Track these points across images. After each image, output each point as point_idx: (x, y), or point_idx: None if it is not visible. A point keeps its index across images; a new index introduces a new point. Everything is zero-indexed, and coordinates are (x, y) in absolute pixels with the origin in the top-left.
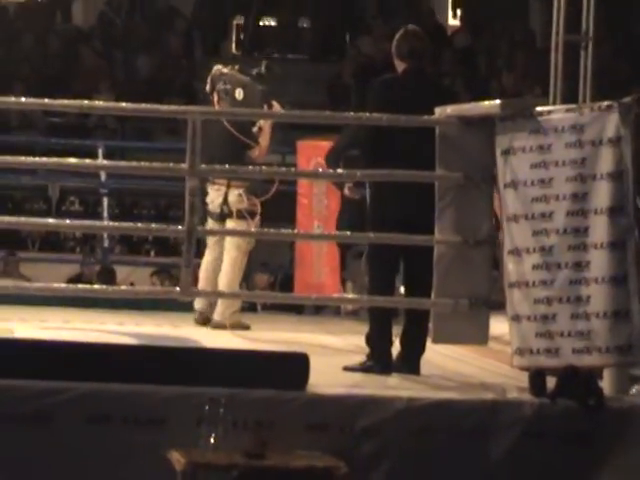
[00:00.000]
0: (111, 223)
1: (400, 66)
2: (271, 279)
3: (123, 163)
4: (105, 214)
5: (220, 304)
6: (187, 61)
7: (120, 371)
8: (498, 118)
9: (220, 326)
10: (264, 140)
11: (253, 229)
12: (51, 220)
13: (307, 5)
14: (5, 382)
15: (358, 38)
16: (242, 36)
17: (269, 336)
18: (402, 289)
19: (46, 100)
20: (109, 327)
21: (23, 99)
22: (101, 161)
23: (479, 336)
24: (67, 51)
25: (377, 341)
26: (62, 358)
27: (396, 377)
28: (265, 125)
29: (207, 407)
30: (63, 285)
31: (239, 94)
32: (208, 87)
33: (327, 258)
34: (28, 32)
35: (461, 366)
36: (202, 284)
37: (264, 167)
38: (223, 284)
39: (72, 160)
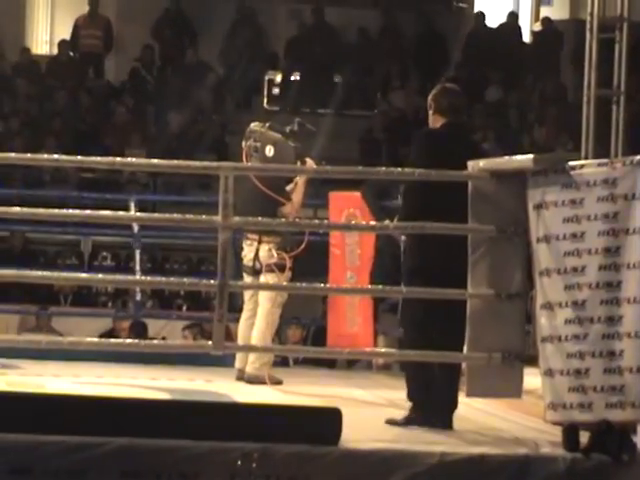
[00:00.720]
0: (143, 277)
1: (439, 121)
2: (303, 333)
3: (156, 215)
4: (137, 268)
5: (251, 355)
6: (218, 116)
7: (153, 426)
8: (530, 172)
9: (253, 378)
10: (297, 196)
11: (284, 283)
12: (83, 275)
13: (338, 60)
14: (39, 437)
15: (389, 92)
16: (273, 91)
17: (301, 390)
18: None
19: (79, 157)
20: (141, 382)
21: (56, 156)
22: (134, 213)
23: (512, 390)
24: (99, 106)
25: (417, 395)
26: (95, 413)
27: (429, 432)
28: (300, 181)
29: (240, 462)
30: (96, 340)
31: (269, 151)
32: (243, 144)
33: (360, 308)
34: (61, 88)
35: (494, 420)
36: (239, 342)
37: (294, 220)
38: (255, 336)
39: (105, 212)
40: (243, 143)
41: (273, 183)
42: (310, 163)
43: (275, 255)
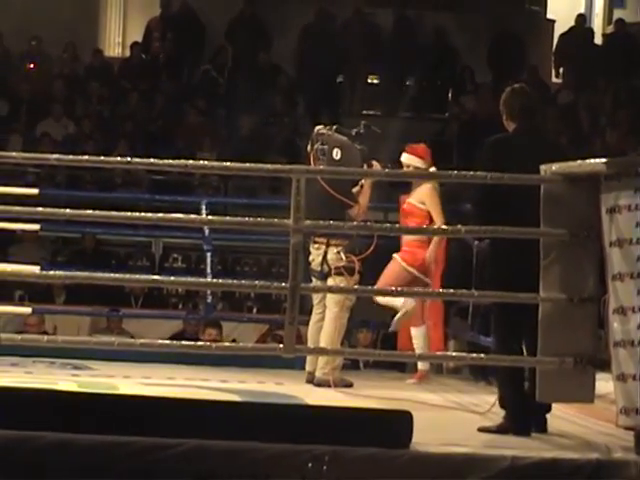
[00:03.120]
0: (214, 280)
1: (511, 126)
2: (373, 336)
3: (228, 218)
4: (208, 270)
5: (320, 359)
6: (289, 118)
7: (224, 428)
8: (604, 176)
9: (322, 382)
10: (363, 199)
11: (353, 286)
12: (155, 276)
13: (411, 63)
14: (112, 438)
15: (461, 95)
16: (346, 94)
17: (372, 393)
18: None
19: (151, 160)
20: (212, 384)
21: (129, 158)
22: (205, 216)
23: (584, 395)
24: (171, 109)
25: (512, 402)
26: (167, 414)
27: (501, 436)
28: (366, 184)
29: (310, 464)
30: (167, 341)
31: (337, 154)
32: (309, 148)
33: (430, 312)
34: (133, 90)
35: (565, 425)
36: (309, 345)
37: (365, 223)
38: (324, 340)
39: (177, 215)
40: (309, 147)
41: (341, 186)
42: (376, 166)
43: (344, 258)
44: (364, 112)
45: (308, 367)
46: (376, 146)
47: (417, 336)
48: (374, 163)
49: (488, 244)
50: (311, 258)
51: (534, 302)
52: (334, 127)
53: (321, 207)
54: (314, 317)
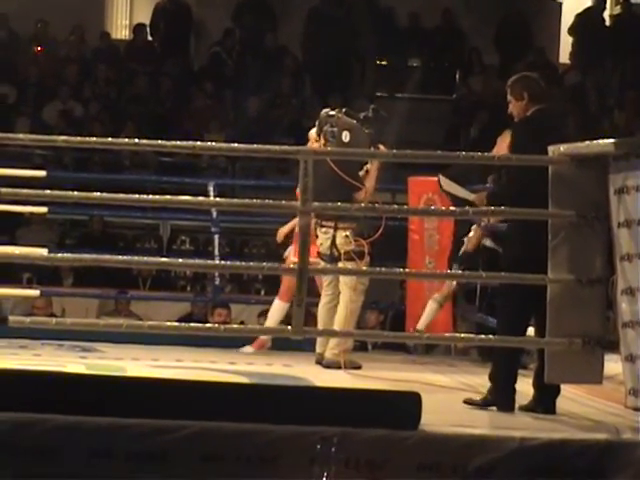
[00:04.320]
0: (222, 262)
1: (530, 107)
2: (381, 317)
3: (235, 200)
4: (216, 253)
5: (331, 341)
6: (297, 100)
7: (232, 410)
8: (612, 157)
9: (331, 363)
10: (370, 182)
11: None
12: (163, 259)
13: (417, 44)
14: (120, 420)
15: (468, 76)
16: (353, 75)
17: (380, 375)
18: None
19: (159, 141)
20: (220, 366)
21: (137, 140)
22: (213, 198)
23: (593, 376)
24: (178, 91)
25: (503, 379)
26: (175, 396)
27: (509, 416)
28: (372, 167)
29: (319, 446)
30: (176, 324)
31: (345, 137)
32: (316, 130)
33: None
34: (140, 72)
35: (574, 406)
36: (320, 327)
37: (374, 205)
38: (338, 323)
39: (185, 197)
40: (313, 130)
41: (349, 168)
42: (383, 150)
43: (353, 242)
44: (373, 94)
45: (318, 348)
46: (384, 127)
47: (278, 309)
48: (381, 147)
49: (507, 227)
50: (319, 242)
51: (542, 283)
52: (343, 110)
53: (329, 190)
54: (324, 298)
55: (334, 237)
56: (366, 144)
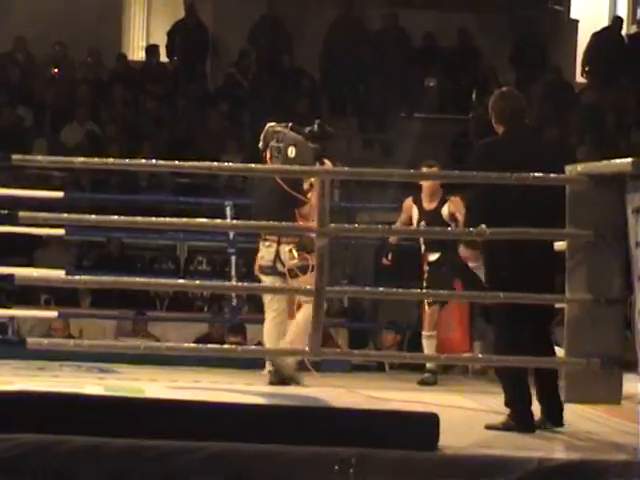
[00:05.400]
0: (239, 283)
1: (500, 128)
2: (398, 338)
3: (252, 222)
4: (233, 273)
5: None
6: (313, 120)
7: (250, 431)
8: (629, 176)
9: (289, 379)
10: (314, 197)
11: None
12: (180, 281)
13: (433, 64)
14: (137, 442)
15: (484, 95)
16: (368, 95)
17: (398, 395)
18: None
19: (177, 162)
20: (238, 387)
21: (154, 161)
22: (230, 220)
23: (611, 396)
24: (195, 112)
25: (516, 402)
26: (193, 418)
27: (528, 437)
28: (316, 183)
29: (337, 467)
30: (193, 345)
31: (291, 152)
32: (261, 144)
33: (456, 313)
34: (156, 94)
35: (593, 426)
36: (267, 343)
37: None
38: (292, 332)
39: (202, 220)
40: (260, 143)
41: (293, 183)
42: (328, 164)
43: (296, 256)
44: (388, 114)
45: (269, 366)
46: (329, 145)
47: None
48: (326, 162)
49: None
50: (260, 255)
51: (561, 303)
52: (289, 125)
53: (272, 205)
54: (270, 314)
55: (277, 251)
56: (311, 159)
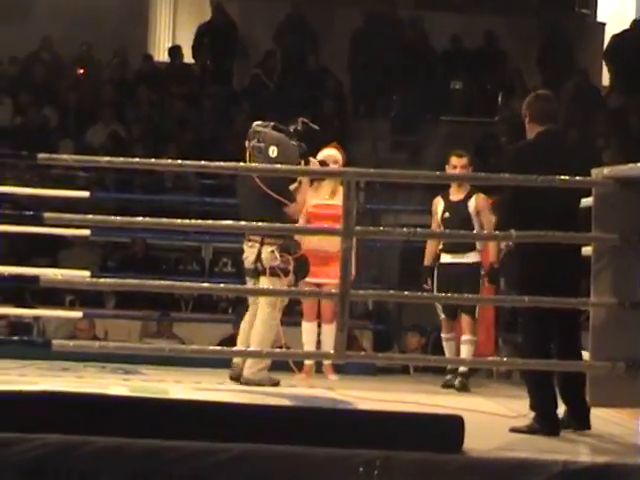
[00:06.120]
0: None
1: (534, 129)
2: (422, 340)
3: (278, 225)
4: None
5: (250, 361)
6: (339, 122)
7: (275, 432)
8: None
9: (250, 382)
10: (301, 196)
11: (286, 286)
12: (205, 284)
13: (460, 66)
14: (161, 443)
15: (511, 98)
16: (394, 97)
17: (422, 398)
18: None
19: (203, 162)
20: (263, 388)
21: (180, 161)
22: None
23: (636, 399)
24: (220, 113)
25: (541, 405)
26: (218, 419)
27: (552, 439)
28: (304, 181)
29: (362, 469)
30: (218, 347)
31: (273, 152)
32: (246, 144)
33: (481, 316)
34: (182, 94)
35: (617, 429)
36: (239, 342)
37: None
38: (255, 340)
39: (226, 222)
40: (246, 143)
41: (277, 184)
42: (314, 163)
43: (278, 258)
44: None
45: (234, 360)
46: (313, 143)
47: (307, 331)
48: (312, 160)
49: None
50: (244, 256)
51: (585, 307)
52: (271, 124)
53: (255, 206)
54: (247, 315)
55: (259, 252)
56: (295, 158)
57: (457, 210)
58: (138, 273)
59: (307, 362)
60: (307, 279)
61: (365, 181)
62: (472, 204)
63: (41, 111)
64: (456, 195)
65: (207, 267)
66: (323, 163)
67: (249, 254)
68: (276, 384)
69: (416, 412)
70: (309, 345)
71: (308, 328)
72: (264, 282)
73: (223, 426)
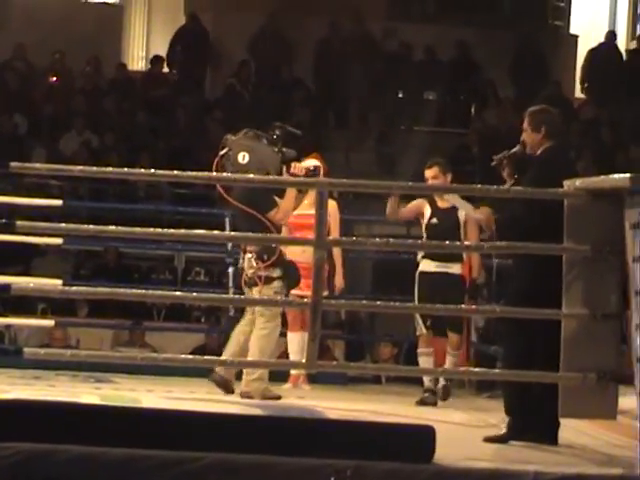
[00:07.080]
0: (236, 296)
1: (545, 143)
2: (395, 350)
3: (251, 235)
4: (230, 284)
5: (245, 373)
6: (313, 132)
7: (246, 442)
8: (627, 192)
9: (248, 396)
10: (285, 203)
11: (272, 294)
12: (177, 293)
13: (433, 78)
14: (133, 452)
15: (484, 110)
16: (368, 107)
17: (394, 408)
18: None
19: (175, 172)
20: (234, 398)
21: (153, 170)
22: (228, 232)
23: (607, 410)
24: (194, 122)
25: (515, 409)
26: (189, 428)
27: (523, 450)
28: (288, 188)
29: (333, 479)
30: (190, 356)
31: (243, 158)
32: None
33: None
34: (155, 103)
35: (588, 440)
36: (230, 347)
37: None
38: (252, 352)
39: (199, 231)
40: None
41: (254, 192)
42: (297, 167)
43: (254, 265)
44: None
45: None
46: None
47: (291, 341)
48: (297, 166)
49: (513, 260)
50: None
51: (556, 318)
52: (250, 132)
53: (240, 217)
54: (242, 321)
55: (243, 260)
56: (275, 164)
57: (446, 217)
58: (111, 282)
59: (293, 372)
60: (293, 291)
61: (338, 191)
62: (462, 214)
63: (12, 119)
64: (442, 202)
65: (180, 276)
66: (308, 170)
67: (245, 265)
68: (276, 398)
69: (388, 422)
70: (295, 355)
71: (293, 338)
72: (255, 293)
73: (194, 435)
